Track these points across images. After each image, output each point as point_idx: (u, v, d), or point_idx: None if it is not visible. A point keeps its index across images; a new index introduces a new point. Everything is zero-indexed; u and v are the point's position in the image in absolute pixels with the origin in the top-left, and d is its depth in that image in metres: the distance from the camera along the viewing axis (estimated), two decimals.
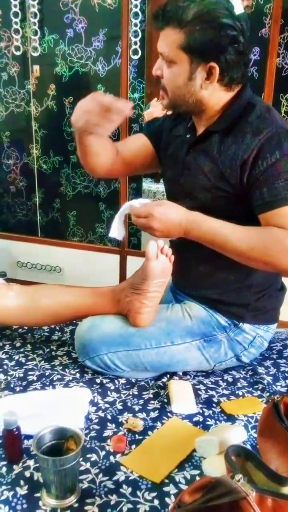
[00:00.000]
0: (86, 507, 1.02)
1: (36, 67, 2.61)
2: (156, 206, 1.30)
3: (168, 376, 1.47)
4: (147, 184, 2.82)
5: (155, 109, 2.62)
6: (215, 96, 1.32)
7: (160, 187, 2.93)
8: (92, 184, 2.71)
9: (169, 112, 1.55)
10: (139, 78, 2.45)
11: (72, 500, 1.03)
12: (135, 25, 2.36)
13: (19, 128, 2.77)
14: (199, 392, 1.40)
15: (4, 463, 1.13)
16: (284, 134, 1.26)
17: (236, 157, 1.29)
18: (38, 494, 1.05)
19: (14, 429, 1.11)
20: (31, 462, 1.13)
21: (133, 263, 2.72)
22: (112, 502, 1.03)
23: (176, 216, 1.30)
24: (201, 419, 1.29)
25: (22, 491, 1.06)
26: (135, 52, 2.41)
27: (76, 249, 2.85)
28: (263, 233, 1.24)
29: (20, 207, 2.92)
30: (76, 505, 1.03)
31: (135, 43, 2.40)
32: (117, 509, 1.02)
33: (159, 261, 1.37)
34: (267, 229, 1.24)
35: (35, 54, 2.58)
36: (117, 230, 1.40)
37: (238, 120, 1.31)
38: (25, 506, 1.02)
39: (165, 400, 1.36)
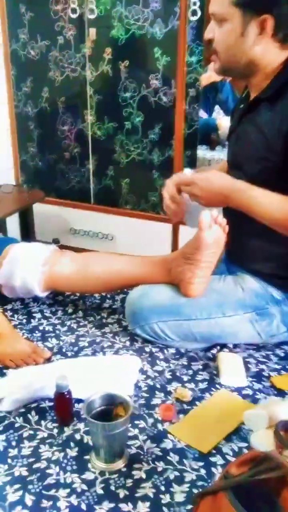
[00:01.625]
0: (134, 472, 1.04)
1: (92, 30, 2.58)
2: (199, 174, 1.31)
3: (218, 347, 1.46)
4: (202, 152, 2.76)
5: (213, 73, 2.54)
6: (268, 54, 1.26)
7: (215, 154, 2.87)
8: (146, 151, 2.68)
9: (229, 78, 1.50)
10: (197, 40, 2.37)
11: (120, 464, 1.06)
12: None
13: (74, 93, 2.75)
14: (249, 365, 1.39)
15: (56, 425, 1.17)
16: None
17: (282, 127, 1.23)
18: (87, 457, 1.08)
19: (66, 393, 1.14)
20: (81, 425, 1.16)
21: (186, 233, 2.70)
22: (159, 469, 1.05)
23: (217, 183, 1.30)
24: (250, 392, 1.28)
25: (72, 452, 1.09)
26: (193, 13, 2.33)
27: (128, 217, 2.85)
28: None
29: (73, 174, 2.93)
30: (124, 469, 1.05)
31: (194, 3, 2.31)
32: (164, 476, 1.03)
33: (213, 231, 1.34)
34: None
35: (92, 17, 2.54)
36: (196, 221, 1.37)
37: None
38: (75, 467, 1.05)
39: (214, 372, 1.36)
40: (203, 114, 2.80)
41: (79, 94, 2.74)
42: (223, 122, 3.03)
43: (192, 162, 2.61)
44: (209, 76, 2.69)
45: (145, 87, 2.56)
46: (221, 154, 2.89)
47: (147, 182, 2.74)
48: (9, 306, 1.66)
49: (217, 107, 3.09)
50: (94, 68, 2.64)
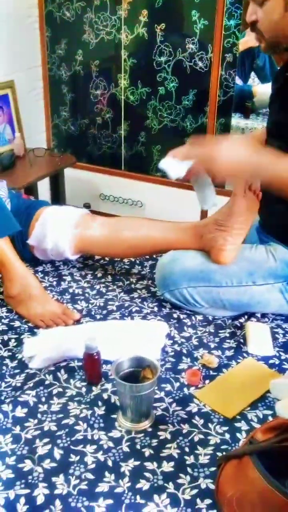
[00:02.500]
0: (159, 433, 1.07)
1: None
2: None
3: (246, 317, 1.46)
4: (236, 120, 2.71)
5: (250, 38, 2.46)
6: None
7: (249, 123, 2.81)
8: (179, 118, 2.64)
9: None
10: (237, 3, 2.29)
11: (146, 424, 1.08)
12: None
13: (108, 56, 2.71)
14: (277, 335, 1.39)
15: (84, 384, 1.20)
16: None
17: None
18: (114, 416, 1.11)
19: (95, 354, 1.17)
20: (109, 386, 1.19)
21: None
22: (184, 431, 1.07)
23: (239, 155, 1.22)
24: (277, 362, 1.29)
25: (99, 411, 1.12)
26: None
27: (159, 184, 2.83)
28: None
29: (105, 139, 2.91)
30: (149, 429, 1.08)
31: None
32: (189, 438, 1.05)
33: (246, 198, 1.33)
34: None
35: None
36: (210, 199, 1.31)
37: None
38: (102, 425, 1.09)
39: (242, 340, 1.36)
40: (238, 81, 2.73)
41: (113, 57, 2.69)
42: (259, 89, 2.95)
43: (225, 130, 2.57)
44: (246, 40, 2.60)
45: (181, 51, 2.50)
46: (255, 123, 2.83)
47: None
48: (40, 268, 1.69)
49: (252, 74, 3.01)
50: (129, 31, 2.59)
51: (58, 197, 2.85)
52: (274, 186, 1.23)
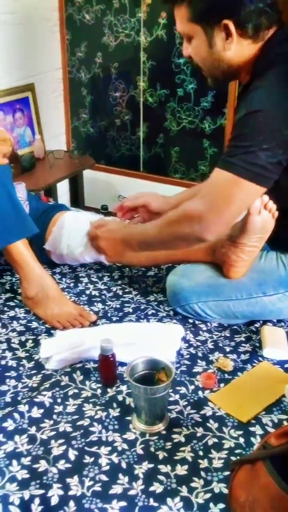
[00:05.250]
0: (173, 436, 1.07)
1: None
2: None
3: (261, 321, 1.46)
4: None
5: None
6: (244, 52, 1.22)
7: None
8: (197, 119, 2.64)
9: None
10: None
11: (160, 427, 1.08)
12: None
13: (127, 59, 2.73)
14: None
15: (99, 385, 1.20)
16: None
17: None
18: (129, 418, 1.11)
19: (110, 355, 1.17)
20: (123, 388, 1.20)
21: None
22: (198, 434, 1.07)
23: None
24: None
25: (114, 413, 1.13)
26: None
27: (177, 186, 2.83)
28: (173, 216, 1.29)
29: (124, 141, 2.93)
30: (164, 432, 1.08)
31: None
32: (203, 442, 1.05)
33: (261, 217, 1.31)
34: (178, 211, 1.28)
35: None
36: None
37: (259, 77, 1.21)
38: (116, 427, 1.09)
39: (257, 344, 1.36)
40: None
41: (132, 59, 2.71)
42: None
43: None
44: None
45: None
46: None
47: (197, 151, 2.71)
48: (57, 270, 1.71)
49: None
50: (148, 33, 2.60)
51: (76, 198, 2.88)
52: (152, 249, 1.44)
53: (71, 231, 1.59)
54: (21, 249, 1.44)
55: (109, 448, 1.04)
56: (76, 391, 1.19)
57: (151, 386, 1.05)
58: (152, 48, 2.63)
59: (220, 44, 1.21)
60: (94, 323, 1.43)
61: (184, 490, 0.95)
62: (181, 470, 0.99)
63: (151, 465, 1.00)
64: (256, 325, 1.44)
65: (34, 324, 1.43)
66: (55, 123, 3.01)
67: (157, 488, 0.96)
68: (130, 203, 1.59)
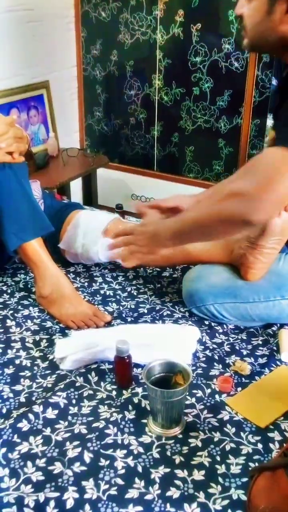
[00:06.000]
0: (190, 440, 1.05)
1: None
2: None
3: (278, 324, 1.43)
4: (271, 121, 2.66)
5: None
6: None
7: None
8: (213, 118, 2.61)
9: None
10: None
11: (177, 431, 1.07)
12: None
13: (143, 57, 2.71)
14: None
15: (114, 387, 1.19)
16: None
17: None
18: (144, 421, 1.10)
19: (126, 357, 1.16)
20: (139, 390, 1.18)
21: None
22: (215, 439, 1.05)
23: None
24: None
25: (130, 415, 1.11)
26: None
27: (191, 186, 2.81)
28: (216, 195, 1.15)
29: (138, 139, 2.91)
30: (180, 436, 1.06)
31: None
32: (220, 447, 1.04)
33: (282, 219, 1.29)
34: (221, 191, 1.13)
35: None
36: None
37: None
38: (132, 429, 1.08)
39: (275, 347, 1.34)
40: (273, 81, 2.69)
41: (148, 58, 2.69)
42: None
43: (260, 131, 2.53)
44: None
45: (217, 51, 2.48)
46: None
47: (213, 151, 2.69)
48: (71, 269, 1.70)
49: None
50: (165, 31, 2.58)
51: (90, 197, 2.87)
52: (186, 239, 1.29)
53: (87, 230, 1.58)
54: (36, 248, 1.43)
55: (125, 451, 1.03)
56: (91, 392, 1.18)
57: (168, 390, 1.04)
58: (168, 46, 2.61)
59: (279, 14, 1.15)
60: (109, 324, 1.41)
61: (201, 496, 0.94)
62: (198, 475, 0.98)
63: (168, 470, 0.99)
64: (273, 328, 1.42)
65: (49, 324, 1.42)
66: (69, 121, 3.00)
67: (174, 493, 0.94)
68: (162, 203, 1.47)
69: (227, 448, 1.03)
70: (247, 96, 2.48)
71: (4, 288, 1.58)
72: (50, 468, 0.99)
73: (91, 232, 1.58)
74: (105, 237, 1.56)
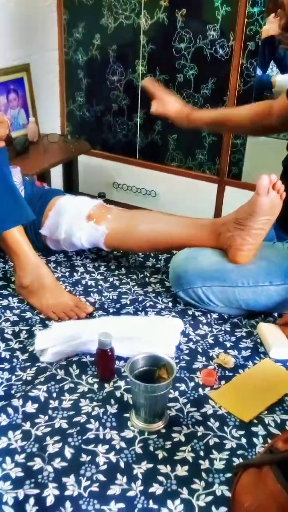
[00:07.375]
0: (173, 434, 1.03)
1: None
2: None
3: (262, 316, 1.42)
4: None
5: (271, 26, 2.39)
6: None
7: None
8: (197, 106, 2.58)
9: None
10: None
11: (160, 425, 1.05)
12: None
13: (127, 42, 2.66)
14: None
15: (96, 380, 1.16)
16: None
17: None
18: (127, 415, 1.07)
19: (108, 350, 1.13)
20: (122, 383, 1.16)
21: (231, 195, 2.63)
22: (198, 434, 1.04)
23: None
24: None
25: (112, 409, 1.09)
26: None
27: (173, 175, 2.79)
28: None
29: (120, 126, 2.87)
30: (163, 431, 1.04)
31: None
32: (203, 441, 1.02)
33: (269, 197, 1.28)
34: None
35: None
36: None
37: None
38: (114, 424, 1.05)
39: (258, 340, 1.32)
40: (258, 71, 2.67)
41: (131, 43, 2.64)
42: (278, 79, 2.88)
43: None
44: (267, 29, 2.53)
45: (201, 38, 2.44)
46: None
47: (195, 139, 2.65)
48: (52, 258, 1.66)
49: (272, 64, 2.93)
50: (149, 15, 2.53)
51: (71, 184, 2.82)
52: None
53: (70, 216, 1.53)
54: (17, 236, 1.39)
55: (107, 447, 1.00)
56: (72, 385, 1.15)
57: (152, 384, 1.02)
58: (153, 32, 2.56)
59: None
60: (90, 315, 1.38)
61: (184, 492, 0.92)
62: (181, 470, 0.96)
63: (150, 465, 0.97)
64: (256, 319, 1.41)
65: (28, 314, 1.39)
66: (50, 105, 2.93)
67: (156, 489, 0.92)
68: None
69: (211, 442, 1.02)
70: (231, 84, 2.45)
71: None
72: (29, 464, 0.96)
73: (74, 218, 1.54)
74: (89, 222, 1.52)
